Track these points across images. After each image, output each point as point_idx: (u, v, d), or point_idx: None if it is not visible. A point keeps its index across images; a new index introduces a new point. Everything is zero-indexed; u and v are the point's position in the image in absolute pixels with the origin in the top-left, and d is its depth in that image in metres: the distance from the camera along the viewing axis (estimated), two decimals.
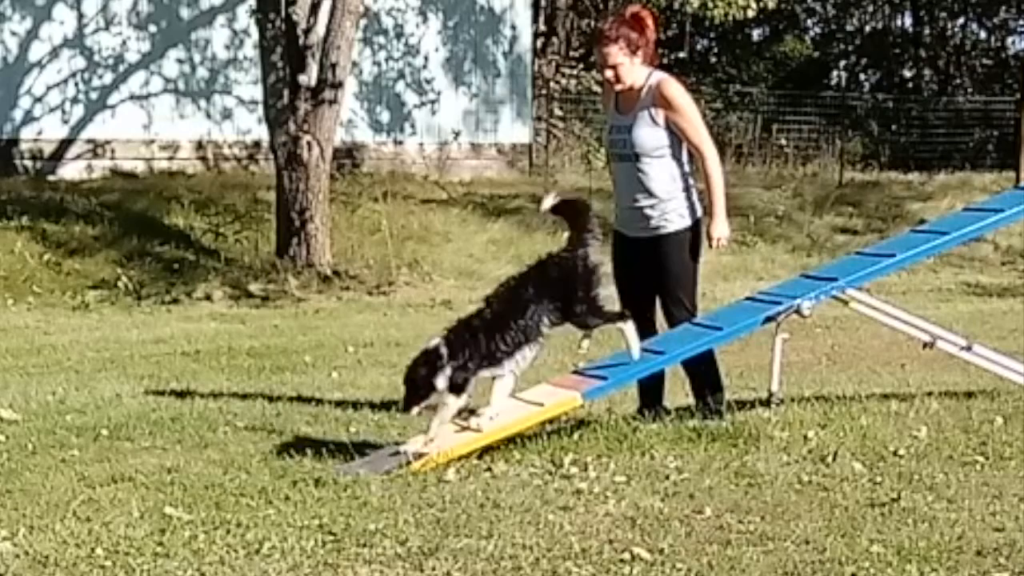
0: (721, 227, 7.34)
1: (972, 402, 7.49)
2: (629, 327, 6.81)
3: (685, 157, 7.34)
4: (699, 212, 7.37)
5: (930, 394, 7.67)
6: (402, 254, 17.63)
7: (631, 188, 7.35)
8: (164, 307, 15.41)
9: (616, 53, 7.25)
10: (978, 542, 5.23)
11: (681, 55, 32.11)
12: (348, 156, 21.48)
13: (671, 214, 7.29)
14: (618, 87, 7.35)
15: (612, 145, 7.54)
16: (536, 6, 25.64)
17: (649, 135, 7.27)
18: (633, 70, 7.28)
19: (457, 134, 22.84)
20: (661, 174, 7.27)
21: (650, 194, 7.29)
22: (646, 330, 7.43)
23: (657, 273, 7.34)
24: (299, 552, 5.23)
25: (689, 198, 7.34)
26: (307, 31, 16.48)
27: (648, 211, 7.31)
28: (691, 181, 7.37)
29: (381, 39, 22.54)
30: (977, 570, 4.98)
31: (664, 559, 5.12)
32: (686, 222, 7.30)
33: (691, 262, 7.35)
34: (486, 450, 6.57)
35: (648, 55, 7.33)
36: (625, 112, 7.37)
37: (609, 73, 7.32)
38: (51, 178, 19.91)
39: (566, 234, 6.77)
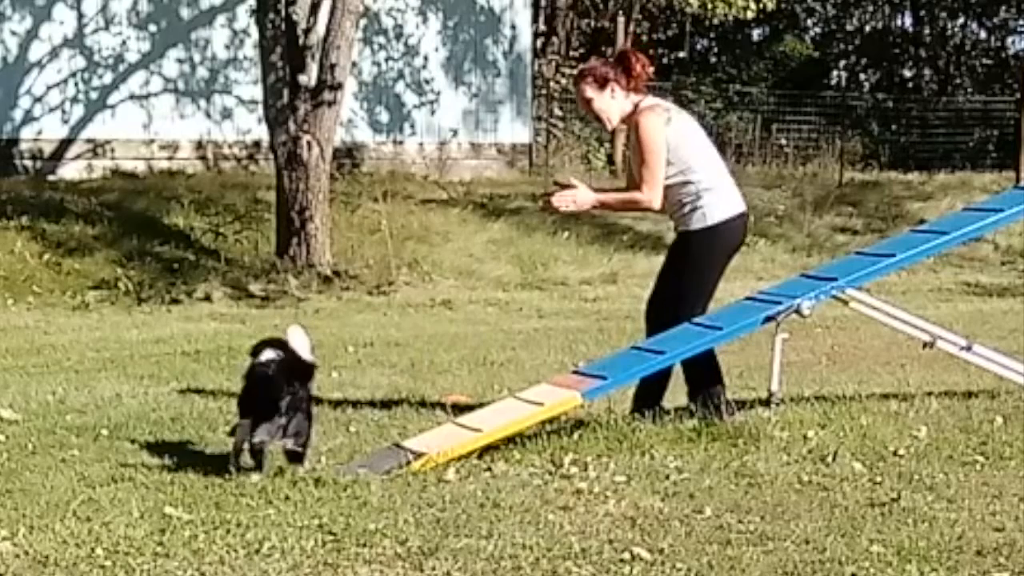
0: (583, 193, 7.61)
1: (972, 402, 7.50)
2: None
3: (696, 164, 7.41)
4: (720, 217, 7.38)
5: (930, 394, 7.68)
6: (402, 254, 17.61)
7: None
8: (164, 307, 15.38)
9: (585, 88, 7.51)
10: (978, 542, 5.23)
11: (681, 55, 32.14)
12: (348, 156, 21.46)
13: (691, 215, 7.40)
14: (603, 123, 7.64)
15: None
16: (536, 6, 25.61)
17: None
18: (609, 103, 7.48)
19: (455, 132, 22.83)
20: (673, 186, 7.39)
21: (667, 200, 7.44)
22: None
23: (675, 270, 7.45)
24: (299, 552, 5.23)
25: (706, 202, 7.37)
26: (307, 31, 16.47)
27: (674, 213, 7.49)
28: (706, 185, 7.40)
29: (381, 39, 22.52)
30: (977, 570, 4.98)
31: (664, 559, 5.12)
32: (706, 222, 7.37)
33: (705, 267, 7.38)
34: (486, 450, 6.58)
35: (628, 87, 7.46)
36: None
37: (585, 109, 7.67)
38: (51, 178, 19.88)
39: None
